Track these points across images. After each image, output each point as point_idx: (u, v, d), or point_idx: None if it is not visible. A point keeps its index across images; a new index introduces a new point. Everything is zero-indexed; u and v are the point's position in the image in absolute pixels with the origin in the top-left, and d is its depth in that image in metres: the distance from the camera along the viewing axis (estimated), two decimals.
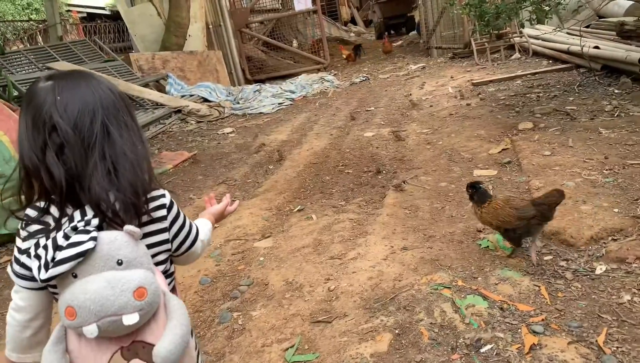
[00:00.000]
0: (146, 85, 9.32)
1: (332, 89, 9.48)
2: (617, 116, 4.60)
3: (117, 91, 1.16)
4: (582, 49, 6.40)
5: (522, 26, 6.13)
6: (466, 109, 6.07)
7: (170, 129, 8.02)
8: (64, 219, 1.03)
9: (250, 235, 3.59)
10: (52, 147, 1.02)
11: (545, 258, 2.66)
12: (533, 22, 5.56)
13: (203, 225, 1.40)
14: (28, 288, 1.09)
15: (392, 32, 17.60)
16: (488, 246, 2.85)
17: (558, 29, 6.65)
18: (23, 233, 1.07)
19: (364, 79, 10.00)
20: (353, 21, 23.37)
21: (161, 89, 9.58)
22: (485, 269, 2.63)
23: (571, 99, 5.51)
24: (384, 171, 4.51)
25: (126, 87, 8.49)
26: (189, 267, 3.13)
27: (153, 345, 1.03)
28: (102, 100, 1.09)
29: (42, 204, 1.07)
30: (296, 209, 3.98)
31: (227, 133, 7.31)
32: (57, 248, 0.98)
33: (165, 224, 1.17)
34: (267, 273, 3.00)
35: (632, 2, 7.84)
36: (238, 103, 9.28)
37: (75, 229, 1.00)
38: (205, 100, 9.27)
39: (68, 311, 0.98)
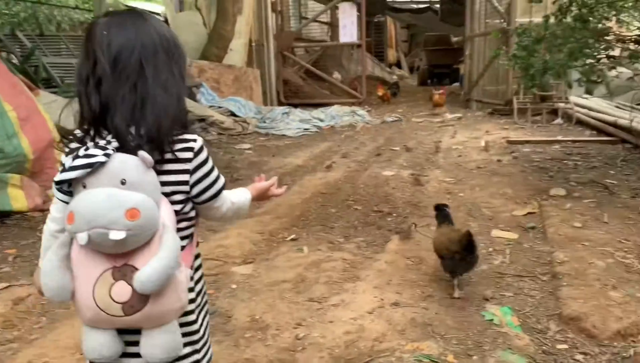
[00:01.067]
0: None
1: (362, 124, 9.19)
2: None
3: (165, 35, 1.19)
4: (631, 122, 5.95)
5: (570, 86, 5.70)
6: (496, 164, 5.65)
7: None
8: (99, 141, 1.11)
9: (230, 257, 3.22)
10: (93, 78, 1.11)
11: (559, 346, 2.21)
12: (582, 84, 5.15)
13: (240, 192, 1.40)
14: (62, 201, 1.16)
15: (434, 79, 17.42)
16: (493, 319, 2.41)
17: (607, 100, 6.24)
18: (66, 150, 1.15)
19: (396, 119, 9.67)
20: (399, 65, 23.37)
21: (193, 97, 9.45)
22: (485, 346, 2.20)
23: (612, 173, 5.04)
24: (394, 214, 4.11)
25: None
26: None
27: None
28: (143, 40, 1.14)
29: (86, 126, 1.15)
30: (289, 238, 3.61)
31: (244, 149, 7.04)
32: (75, 158, 1.06)
33: (188, 166, 1.19)
34: (235, 304, 2.62)
35: None
36: (264, 122, 9.06)
37: (96, 145, 1.08)
38: (233, 114, 9.09)
39: (69, 216, 1.05)
